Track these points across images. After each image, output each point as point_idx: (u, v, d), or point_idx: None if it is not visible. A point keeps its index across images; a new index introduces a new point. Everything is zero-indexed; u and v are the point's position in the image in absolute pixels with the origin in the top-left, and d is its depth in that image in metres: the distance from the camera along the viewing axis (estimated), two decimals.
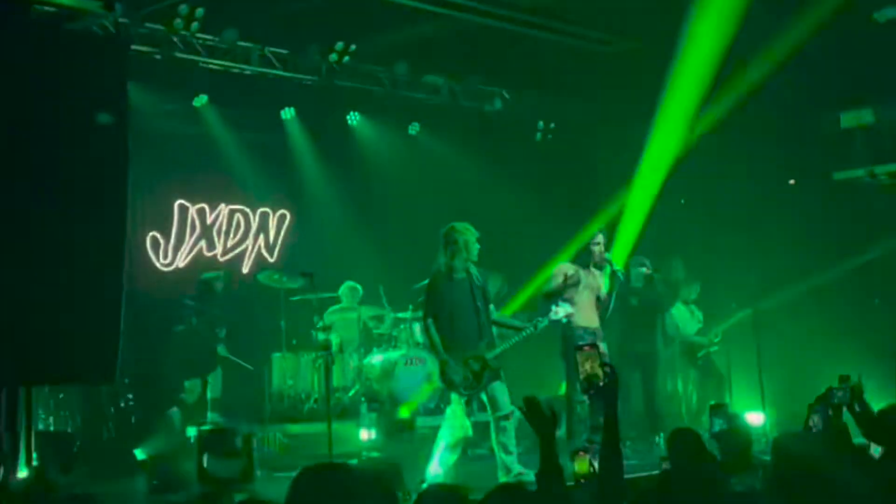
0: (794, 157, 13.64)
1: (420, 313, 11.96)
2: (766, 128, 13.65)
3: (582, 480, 4.94)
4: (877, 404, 7.71)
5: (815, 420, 6.12)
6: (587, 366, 4.37)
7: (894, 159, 12.97)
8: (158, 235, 12.33)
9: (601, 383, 4.36)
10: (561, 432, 10.57)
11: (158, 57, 11.05)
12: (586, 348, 4.45)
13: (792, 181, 13.83)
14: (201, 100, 12.07)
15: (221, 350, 11.61)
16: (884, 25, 11.31)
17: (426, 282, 11.31)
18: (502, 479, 8.45)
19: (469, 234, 8.62)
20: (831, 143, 13.36)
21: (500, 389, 8.49)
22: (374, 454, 10.53)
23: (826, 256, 12.94)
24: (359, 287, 12.35)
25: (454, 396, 8.47)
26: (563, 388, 10.21)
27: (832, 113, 13.34)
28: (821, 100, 13.10)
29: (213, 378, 11.68)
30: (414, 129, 13.83)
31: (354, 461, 10.30)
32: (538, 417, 4.34)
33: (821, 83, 12.65)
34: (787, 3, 11.24)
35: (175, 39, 11.07)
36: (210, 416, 11.37)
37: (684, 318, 12.74)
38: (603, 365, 4.40)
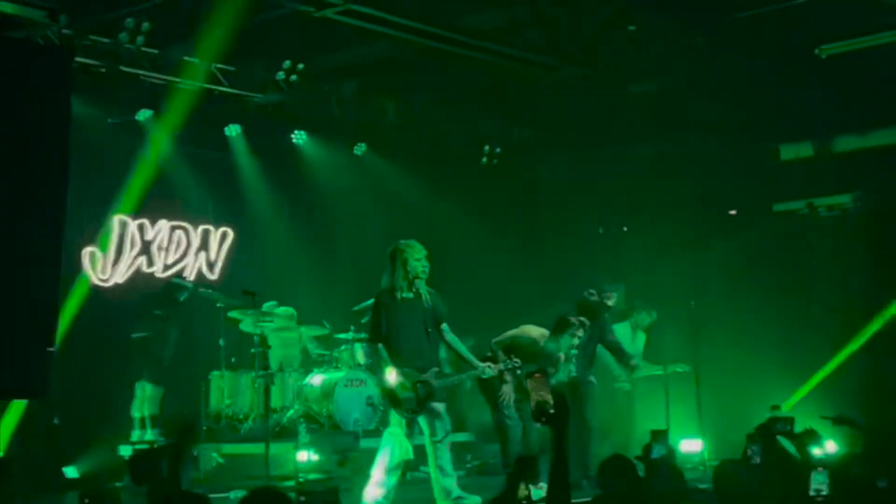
0: (736, 188, 13.82)
1: (362, 335, 11.97)
2: (709, 159, 13.84)
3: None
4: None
5: (753, 450, 6.16)
6: (538, 393, 4.39)
7: (833, 192, 13.20)
8: (97, 250, 12.15)
9: (551, 410, 4.37)
10: (496, 459, 10.59)
11: (103, 70, 10.92)
12: (536, 376, 4.47)
13: (733, 212, 13.99)
14: (145, 114, 11.93)
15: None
16: (825, 60, 11.50)
17: (368, 302, 11.33)
18: (441, 502, 8.40)
19: (412, 252, 8.48)
20: (771, 175, 13.58)
21: (439, 413, 8.44)
22: (312, 476, 10.42)
23: (765, 286, 13.11)
24: (294, 313, 12.29)
25: (393, 418, 8.40)
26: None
27: (772, 145, 13.57)
28: (761, 132, 13.31)
29: (152, 394, 11.56)
30: (360, 149, 13.80)
31: (291, 483, 10.23)
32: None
33: (761, 116, 12.85)
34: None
35: (120, 53, 10.95)
36: (149, 433, 11.25)
37: (626, 339, 12.71)
38: (552, 392, 4.42)
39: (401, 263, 8.43)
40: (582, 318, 10.13)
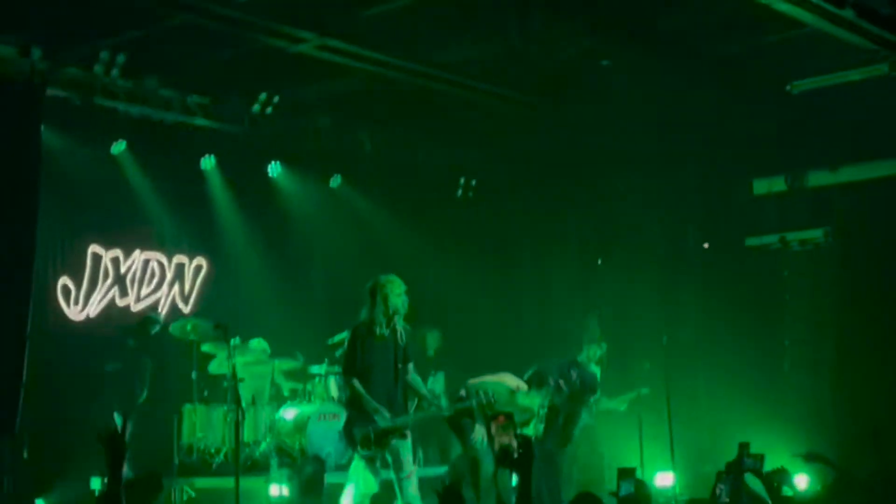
0: (709, 222, 13.92)
1: (335, 367, 11.93)
2: (683, 193, 13.93)
3: None
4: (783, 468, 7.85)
5: (722, 489, 6.17)
6: (502, 437, 4.38)
7: (804, 226, 13.29)
8: (70, 283, 12.09)
9: (515, 455, 4.37)
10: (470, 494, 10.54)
11: (77, 102, 10.91)
12: (500, 419, 4.45)
13: (706, 245, 14.07)
14: (120, 146, 11.91)
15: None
16: (797, 96, 11.62)
17: (342, 335, 11.30)
18: None
19: (392, 288, 8.46)
20: (744, 209, 13.67)
21: (403, 448, 8.39)
22: None
23: (738, 319, 13.17)
24: (268, 348, 12.22)
25: (359, 452, 8.36)
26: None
27: (745, 180, 13.67)
28: (734, 167, 13.41)
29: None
30: (335, 181, 13.81)
31: None
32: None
33: (735, 151, 12.95)
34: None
35: (95, 85, 10.95)
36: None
37: None
38: (517, 436, 4.41)
39: (381, 298, 8.41)
40: (561, 382, 10.02)
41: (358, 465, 8.32)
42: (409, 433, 8.51)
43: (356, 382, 8.36)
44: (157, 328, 11.84)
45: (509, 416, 4.49)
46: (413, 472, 8.42)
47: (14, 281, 8.72)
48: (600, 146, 13.20)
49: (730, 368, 12.94)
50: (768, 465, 7.44)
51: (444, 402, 10.72)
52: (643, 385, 12.45)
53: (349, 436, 8.31)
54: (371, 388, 8.32)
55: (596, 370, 12.68)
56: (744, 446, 6.63)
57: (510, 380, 9.84)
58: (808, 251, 13.28)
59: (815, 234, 13.14)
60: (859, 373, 12.23)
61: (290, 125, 12.74)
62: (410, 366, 8.57)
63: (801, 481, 9.68)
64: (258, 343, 12.15)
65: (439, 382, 12.63)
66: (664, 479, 11.20)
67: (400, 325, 8.49)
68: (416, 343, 11.37)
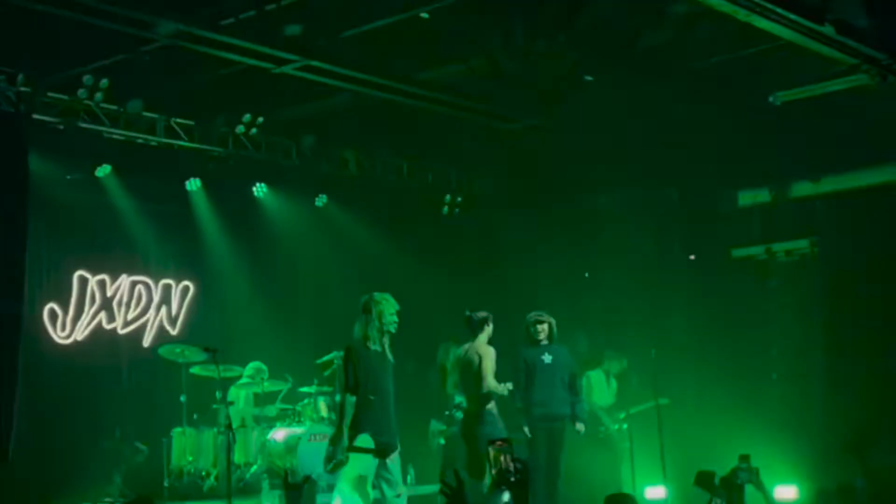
0: (694, 234, 13.96)
1: (325, 388, 11.92)
2: (668, 205, 13.98)
3: None
4: (772, 480, 7.87)
5: (717, 503, 6.16)
6: (500, 460, 4.37)
7: (790, 237, 13.35)
8: (56, 307, 12.06)
9: (513, 479, 4.37)
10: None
11: (61, 126, 10.90)
12: (499, 443, 4.45)
13: (692, 257, 14.11)
14: (104, 170, 11.89)
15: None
16: (779, 108, 11.67)
17: (331, 355, 11.30)
18: None
19: (387, 306, 8.50)
20: (729, 221, 13.72)
21: (394, 466, 8.42)
22: None
23: (725, 331, 13.21)
24: (265, 368, 12.17)
25: (345, 474, 8.32)
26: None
27: (730, 192, 13.72)
28: (719, 179, 13.46)
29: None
30: (321, 201, 13.81)
31: None
32: (458, 497, 4.32)
33: (719, 163, 13.00)
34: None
35: (79, 109, 10.94)
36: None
37: (601, 386, 12.77)
38: (515, 460, 4.40)
39: (376, 315, 8.45)
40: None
41: (343, 487, 8.28)
42: (398, 452, 8.52)
43: (347, 400, 8.37)
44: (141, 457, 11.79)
45: (507, 441, 4.47)
46: (403, 493, 8.46)
47: (5, 307, 8.69)
48: (585, 161, 13.23)
49: (718, 380, 12.95)
50: (762, 477, 7.44)
51: None
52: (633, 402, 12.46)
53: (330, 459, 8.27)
54: (372, 404, 8.33)
55: (613, 383, 12.78)
56: (744, 458, 6.62)
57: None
58: (793, 261, 13.33)
59: (801, 244, 13.20)
60: (847, 382, 12.25)
61: (275, 146, 12.75)
62: None
63: (789, 492, 9.75)
64: (255, 364, 12.11)
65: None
66: (656, 493, 11.21)
67: (388, 343, 8.53)
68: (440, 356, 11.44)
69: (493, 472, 4.42)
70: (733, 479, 6.69)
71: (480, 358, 9.63)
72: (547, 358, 10.55)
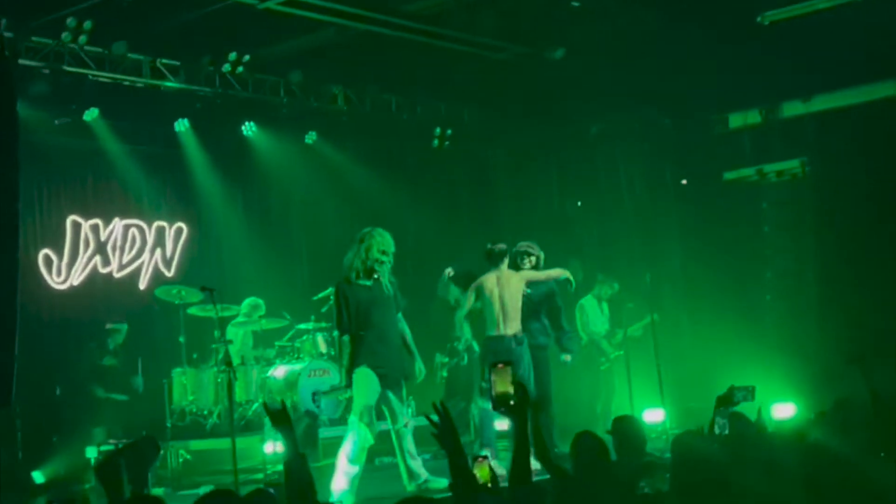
0: (686, 158, 13.96)
1: (323, 324, 11.99)
2: (660, 130, 13.96)
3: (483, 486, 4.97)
4: (769, 399, 7.94)
5: (722, 423, 6.20)
6: (499, 384, 4.40)
7: (781, 158, 13.35)
8: (51, 253, 12.07)
9: (512, 402, 4.40)
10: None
11: (46, 71, 10.82)
12: (500, 366, 4.47)
13: (684, 181, 14.12)
14: (92, 113, 11.81)
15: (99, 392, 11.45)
16: (767, 27, 11.61)
17: (327, 291, 11.33)
18: (408, 486, 8.48)
19: (377, 241, 8.52)
20: (721, 143, 13.71)
21: (398, 399, 8.55)
22: (280, 468, 10.41)
23: (719, 254, 13.26)
24: (261, 303, 12.20)
25: (355, 406, 8.44)
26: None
27: (721, 115, 13.70)
28: (709, 102, 13.43)
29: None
30: (311, 138, 13.74)
31: (260, 475, 10.25)
32: (446, 428, 4.37)
33: (709, 86, 12.95)
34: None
35: (63, 53, 10.85)
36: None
37: (595, 313, 12.83)
38: (515, 384, 4.43)
39: (364, 248, 8.52)
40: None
41: (354, 420, 8.41)
42: (402, 384, 8.63)
43: (346, 336, 8.46)
44: (118, 338, 11.78)
45: (508, 363, 4.50)
46: (410, 423, 8.59)
47: (1, 254, 8.67)
48: (575, 88, 13.18)
49: (713, 303, 13.04)
50: (757, 396, 7.51)
51: None
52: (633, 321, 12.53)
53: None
54: (365, 339, 8.41)
55: (605, 307, 12.84)
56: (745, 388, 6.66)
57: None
58: (785, 182, 13.36)
59: (792, 164, 13.22)
60: (841, 301, 12.34)
61: (263, 84, 12.67)
62: (400, 315, 8.72)
63: (789, 409, 9.83)
64: (252, 301, 12.14)
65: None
66: (654, 416, 11.33)
67: (385, 278, 8.56)
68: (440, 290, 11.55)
69: (493, 394, 4.46)
70: (730, 398, 6.74)
71: (518, 279, 9.84)
72: (526, 290, 10.54)
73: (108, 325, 11.74)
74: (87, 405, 11.32)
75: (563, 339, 10.61)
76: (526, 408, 4.43)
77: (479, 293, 9.82)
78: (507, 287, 9.76)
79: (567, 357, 10.57)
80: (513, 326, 9.74)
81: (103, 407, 11.31)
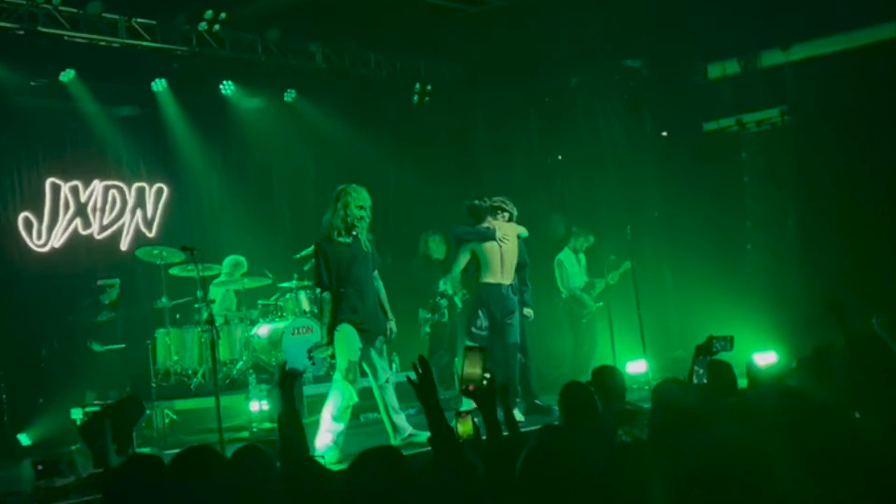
0: (665, 109, 13.94)
1: (305, 282, 11.99)
2: (639, 82, 13.92)
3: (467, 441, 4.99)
4: (750, 348, 8.00)
5: (700, 372, 6.23)
6: (469, 366, 4.40)
7: (760, 107, 13.35)
8: (31, 216, 12.03)
9: (477, 387, 4.40)
10: (447, 395, 10.68)
11: (21, 32, 10.72)
12: (475, 349, 4.47)
13: (664, 133, 14.12)
14: (68, 74, 11.72)
15: (96, 346, 11.47)
16: None
17: (309, 249, 11.33)
18: (393, 441, 8.53)
19: (355, 198, 8.51)
20: (700, 94, 13.69)
21: (379, 356, 8.61)
22: (266, 425, 10.49)
23: (699, 205, 13.29)
24: (243, 260, 12.18)
25: (339, 363, 8.48)
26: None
27: (700, 64, 13.67)
28: (687, 53, 13.39)
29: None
30: (290, 95, 13.67)
31: (245, 434, 10.31)
32: (425, 384, 4.39)
33: (687, 36, 12.91)
34: None
35: (37, 13, 10.75)
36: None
37: (573, 266, 12.88)
38: (484, 370, 4.42)
39: (342, 206, 8.51)
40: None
41: (338, 377, 8.45)
42: (383, 340, 8.67)
43: (326, 296, 8.48)
44: (112, 293, 11.80)
45: (483, 349, 4.49)
46: (391, 378, 8.64)
47: None
48: (552, 41, 13.13)
49: (694, 253, 13.08)
50: (736, 346, 7.56)
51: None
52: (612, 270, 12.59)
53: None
54: (345, 296, 8.44)
55: (583, 259, 12.90)
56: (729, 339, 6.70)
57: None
58: (764, 132, 13.36)
59: (772, 113, 13.20)
60: (821, 250, 12.38)
61: (240, 42, 12.57)
62: (376, 273, 8.74)
63: (770, 357, 9.90)
64: (233, 259, 12.12)
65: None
66: (637, 367, 11.39)
67: (363, 235, 8.58)
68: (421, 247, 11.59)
69: (462, 374, 4.46)
70: (709, 347, 6.77)
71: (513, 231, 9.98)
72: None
73: (100, 282, 11.76)
74: (80, 365, 11.35)
75: (526, 294, 10.66)
76: (493, 398, 4.44)
77: (477, 247, 9.90)
78: (507, 239, 9.88)
79: (529, 312, 10.59)
80: (508, 276, 9.89)
81: (96, 365, 11.34)
